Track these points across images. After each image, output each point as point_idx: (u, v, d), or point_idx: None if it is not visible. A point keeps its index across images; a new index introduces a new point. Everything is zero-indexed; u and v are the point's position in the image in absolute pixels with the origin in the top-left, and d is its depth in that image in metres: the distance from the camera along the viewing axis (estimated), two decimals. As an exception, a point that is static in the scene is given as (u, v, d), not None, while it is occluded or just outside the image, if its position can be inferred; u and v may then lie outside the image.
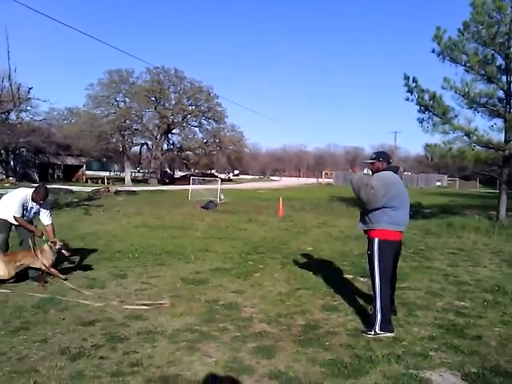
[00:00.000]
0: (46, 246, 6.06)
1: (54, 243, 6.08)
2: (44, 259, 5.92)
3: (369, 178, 4.58)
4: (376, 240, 4.52)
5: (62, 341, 4.12)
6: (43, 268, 5.93)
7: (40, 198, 6.07)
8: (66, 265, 7.15)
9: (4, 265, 5.72)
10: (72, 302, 5.25)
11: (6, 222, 6.10)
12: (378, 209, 4.49)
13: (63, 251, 6.14)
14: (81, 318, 4.75)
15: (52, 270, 5.99)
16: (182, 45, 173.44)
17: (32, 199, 6.11)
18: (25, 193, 6.09)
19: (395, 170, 4.80)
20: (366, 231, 4.72)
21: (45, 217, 6.31)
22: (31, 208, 6.17)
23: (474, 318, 4.96)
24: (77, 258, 7.58)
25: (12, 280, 6.01)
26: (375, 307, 4.48)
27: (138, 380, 3.41)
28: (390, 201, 4.43)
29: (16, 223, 6.19)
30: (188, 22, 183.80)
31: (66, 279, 5.93)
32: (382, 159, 4.76)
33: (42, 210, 6.27)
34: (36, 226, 6.39)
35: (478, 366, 3.75)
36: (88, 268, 6.97)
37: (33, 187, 6.33)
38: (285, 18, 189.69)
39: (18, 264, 5.83)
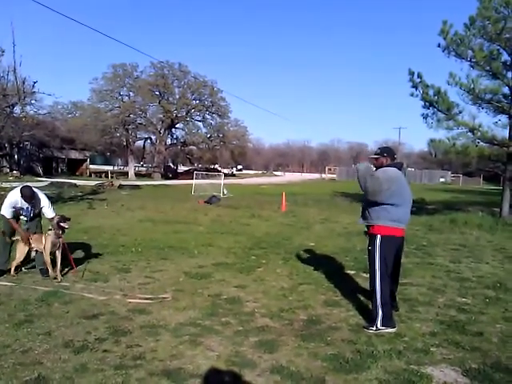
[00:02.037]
0: (49, 232, 6.18)
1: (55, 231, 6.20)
2: (47, 244, 6.08)
3: (373, 171, 4.60)
4: (378, 236, 4.52)
5: (65, 334, 4.16)
6: (44, 254, 6.08)
7: (26, 198, 6.20)
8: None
9: (23, 248, 6.18)
10: (76, 296, 5.29)
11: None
12: (378, 205, 4.49)
13: (62, 224, 6.22)
14: (84, 311, 4.79)
15: (48, 261, 6.04)
16: (187, 39, 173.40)
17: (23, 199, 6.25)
18: (16, 194, 6.23)
19: (399, 166, 4.79)
20: (367, 227, 4.73)
21: (46, 211, 6.44)
22: (27, 207, 6.32)
23: (476, 315, 4.97)
24: (80, 252, 7.62)
25: (17, 273, 6.21)
26: (375, 303, 4.49)
27: (141, 373, 3.44)
28: (391, 197, 4.43)
29: (23, 216, 6.41)
30: (193, 16, 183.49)
31: (55, 278, 5.96)
32: (387, 155, 4.73)
33: (41, 206, 6.39)
34: (28, 229, 6.42)
35: (479, 362, 3.76)
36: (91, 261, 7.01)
37: (36, 181, 6.42)
38: (290, 13, 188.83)
39: (31, 247, 6.25)
